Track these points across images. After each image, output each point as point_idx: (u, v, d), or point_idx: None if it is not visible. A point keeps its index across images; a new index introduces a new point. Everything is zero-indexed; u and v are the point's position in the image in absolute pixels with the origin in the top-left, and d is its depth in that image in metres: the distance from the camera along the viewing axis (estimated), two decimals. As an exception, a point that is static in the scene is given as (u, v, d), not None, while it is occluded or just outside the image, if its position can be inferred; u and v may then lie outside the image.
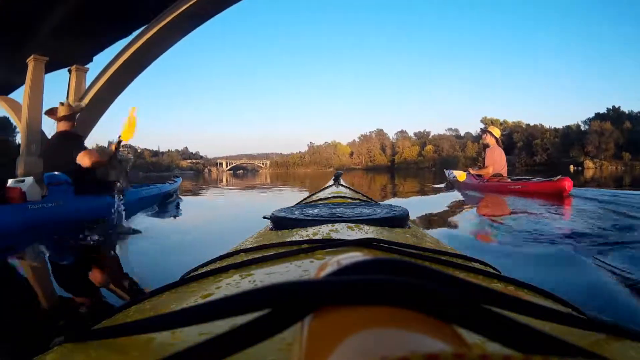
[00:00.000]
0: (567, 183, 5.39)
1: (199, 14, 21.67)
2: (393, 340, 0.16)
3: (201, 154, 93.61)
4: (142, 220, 3.95)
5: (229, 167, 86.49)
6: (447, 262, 0.55)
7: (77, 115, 4.12)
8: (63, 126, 4.01)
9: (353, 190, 2.05)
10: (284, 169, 74.27)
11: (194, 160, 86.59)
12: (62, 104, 4.03)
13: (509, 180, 6.52)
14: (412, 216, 1.06)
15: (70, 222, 3.48)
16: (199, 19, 22.53)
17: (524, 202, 4.67)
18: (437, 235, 1.02)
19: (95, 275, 2.01)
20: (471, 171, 7.31)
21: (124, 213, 3.51)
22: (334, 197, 1.65)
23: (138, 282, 1.78)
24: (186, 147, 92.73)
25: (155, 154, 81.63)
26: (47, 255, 2.65)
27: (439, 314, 0.18)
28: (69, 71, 26.74)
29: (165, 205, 5.39)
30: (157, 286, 0.51)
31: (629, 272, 1.64)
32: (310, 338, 0.18)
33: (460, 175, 7.36)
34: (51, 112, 4.05)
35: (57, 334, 0.36)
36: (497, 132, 7.16)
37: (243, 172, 68.43)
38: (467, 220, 3.62)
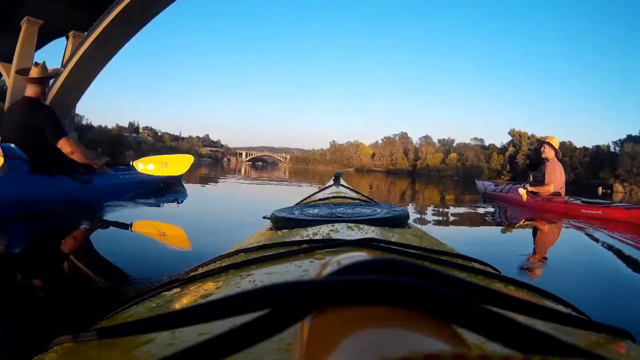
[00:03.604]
0: None
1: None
2: (393, 340, 0.16)
3: (222, 142, 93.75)
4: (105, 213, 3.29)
5: (248, 158, 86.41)
6: (447, 262, 0.54)
7: (52, 81, 3.61)
8: (31, 91, 3.50)
9: (353, 190, 2.04)
10: (304, 165, 73.90)
11: (213, 148, 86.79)
12: (36, 64, 3.51)
13: (579, 202, 5.25)
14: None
15: (18, 205, 2.99)
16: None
17: (604, 235, 3.44)
18: (437, 235, 0.98)
19: (94, 274, 1.81)
20: (528, 187, 5.91)
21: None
22: (334, 197, 1.65)
23: (138, 282, 1.64)
24: (207, 135, 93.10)
25: (176, 138, 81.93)
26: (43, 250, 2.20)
27: (439, 314, 0.18)
28: (67, 37, 24.92)
29: (156, 195, 4.42)
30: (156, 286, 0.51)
31: None
32: (310, 338, 0.18)
33: (523, 193, 5.83)
34: (23, 72, 3.56)
35: (57, 334, 0.36)
36: (556, 144, 5.92)
37: (262, 164, 68.31)
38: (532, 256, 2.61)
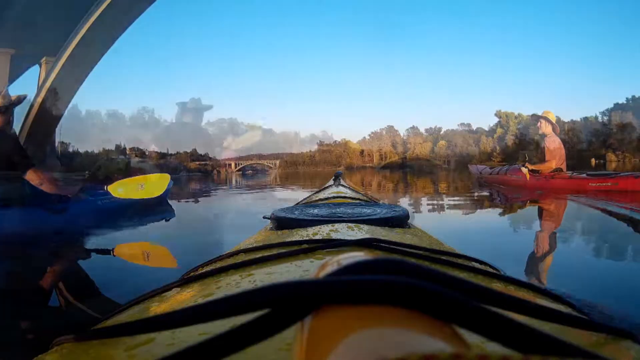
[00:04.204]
0: None
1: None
2: (393, 340, 0.16)
3: (210, 155, 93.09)
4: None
5: (238, 168, 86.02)
6: (447, 262, 0.54)
7: (27, 110, 3.42)
8: None
9: (353, 190, 2.04)
10: (294, 168, 73.65)
11: (202, 162, 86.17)
12: None
13: (584, 175, 4.95)
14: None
15: None
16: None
17: (617, 208, 3.21)
18: (437, 235, 0.97)
19: (94, 276, 1.83)
20: (528, 166, 5.67)
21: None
22: (334, 197, 1.65)
23: (137, 282, 1.65)
24: (195, 149, 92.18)
25: (163, 155, 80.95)
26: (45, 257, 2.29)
27: (439, 314, 0.18)
28: (40, 64, 24.28)
29: (139, 216, 4.13)
30: (156, 286, 0.50)
31: None
32: (310, 338, 0.18)
33: (526, 172, 5.57)
34: None
35: (57, 334, 0.36)
36: (553, 118, 5.75)
37: (252, 172, 68.07)
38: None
